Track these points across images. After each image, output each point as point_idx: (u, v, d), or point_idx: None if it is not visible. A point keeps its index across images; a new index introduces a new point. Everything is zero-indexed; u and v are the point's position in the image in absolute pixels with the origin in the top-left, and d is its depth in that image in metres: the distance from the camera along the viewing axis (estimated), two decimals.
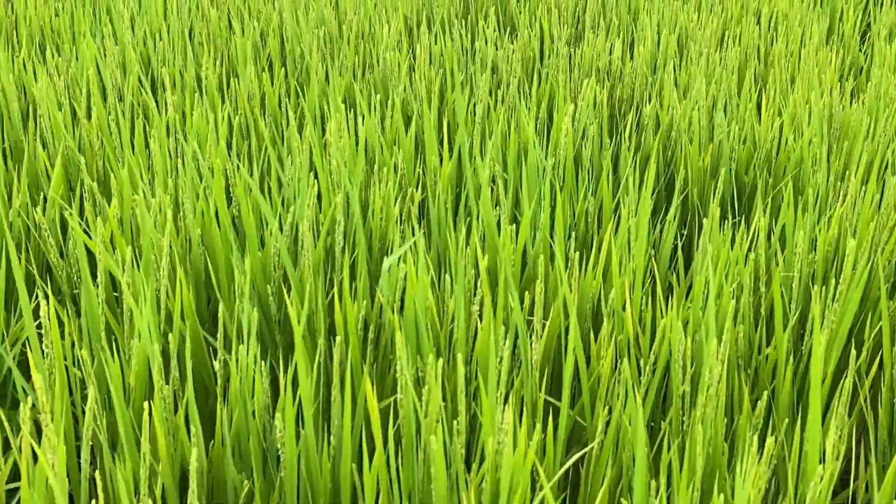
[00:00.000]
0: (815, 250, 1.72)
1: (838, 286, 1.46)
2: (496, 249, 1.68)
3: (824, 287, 1.45)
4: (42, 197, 2.02)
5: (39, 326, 1.85)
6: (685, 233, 2.05)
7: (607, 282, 1.65)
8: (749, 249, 1.93)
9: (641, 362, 1.43)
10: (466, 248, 1.52)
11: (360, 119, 2.02)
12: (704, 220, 1.57)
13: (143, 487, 0.99)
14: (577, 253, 1.43)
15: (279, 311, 1.60)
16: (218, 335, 1.37)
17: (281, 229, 1.79)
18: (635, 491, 1.05)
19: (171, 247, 1.59)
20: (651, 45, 2.67)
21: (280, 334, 1.59)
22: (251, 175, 2.04)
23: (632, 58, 2.84)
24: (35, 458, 1.50)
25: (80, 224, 1.72)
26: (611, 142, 2.28)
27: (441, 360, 1.08)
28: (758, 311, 1.62)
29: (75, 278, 1.71)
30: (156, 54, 2.57)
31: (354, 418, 1.25)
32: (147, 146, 2.16)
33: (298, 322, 1.52)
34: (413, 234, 1.86)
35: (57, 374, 1.23)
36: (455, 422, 1.10)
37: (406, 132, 2.33)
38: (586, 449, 1.22)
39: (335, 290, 1.52)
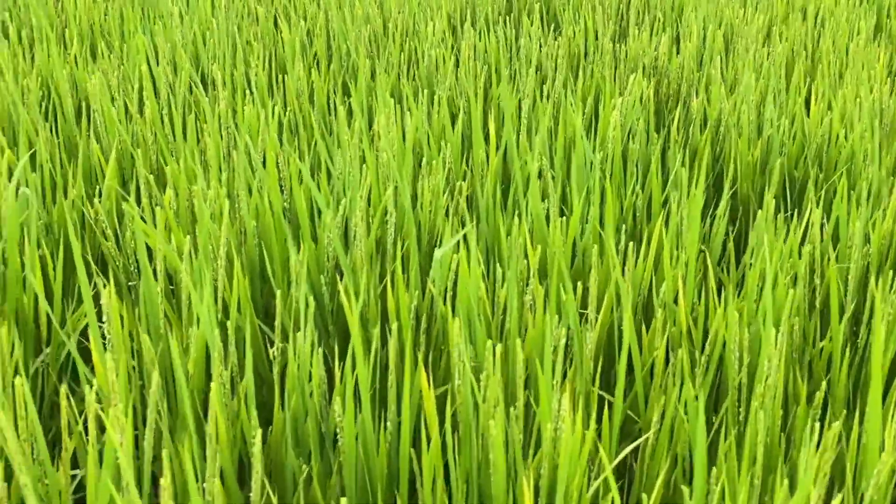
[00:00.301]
0: (868, 243, 1.70)
1: (895, 277, 1.44)
2: (545, 242, 1.69)
3: (881, 278, 1.44)
4: (97, 191, 2.06)
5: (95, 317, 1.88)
6: (735, 229, 2.04)
7: (658, 274, 1.65)
8: (801, 243, 1.91)
9: (696, 354, 1.43)
10: (518, 239, 1.52)
11: (407, 114, 2.03)
12: (759, 212, 1.56)
13: (210, 468, 1.01)
14: (630, 244, 1.43)
15: (332, 301, 1.61)
16: (276, 322, 1.39)
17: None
18: (695, 478, 1.05)
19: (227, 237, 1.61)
20: (697, 41, 2.65)
21: (333, 324, 1.61)
22: (298, 173, 2.06)
23: (678, 53, 2.83)
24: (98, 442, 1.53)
25: (139, 211, 1.74)
26: (658, 137, 2.27)
27: (500, 346, 1.08)
28: (812, 303, 1.61)
29: (132, 269, 1.74)
30: (205, 51, 2.61)
31: (410, 405, 1.26)
32: (198, 141, 2.19)
33: (356, 302, 1.53)
34: (462, 227, 1.87)
35: (119, 359, 1.25)
36: (513, 408, 1.10)
37: (452, 128, 2.34)
38: (643, 438, 1.22)
39: (388, 279, 1.53)
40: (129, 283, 1.80)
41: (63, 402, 1.13)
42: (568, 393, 1.08)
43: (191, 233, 1.77)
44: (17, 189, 1.93)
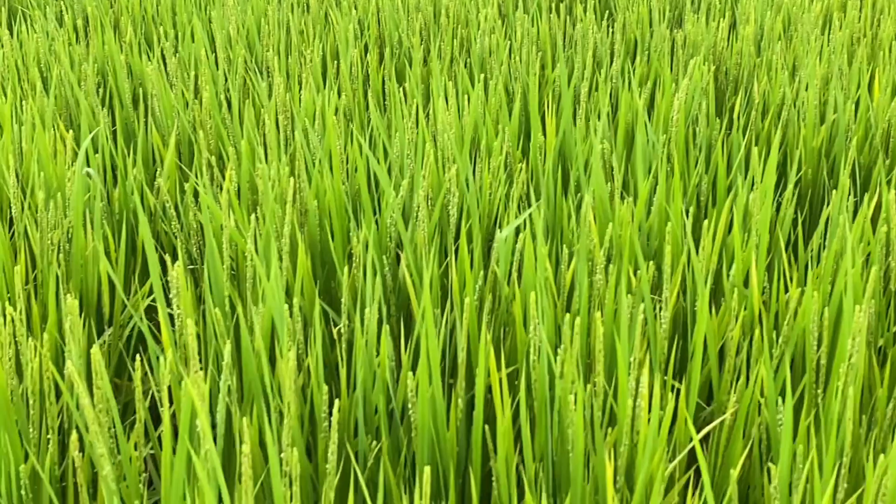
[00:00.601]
0: None
1: None
2: (607, 223, 1.66)
3: None
4: (156, 173, 2.06)
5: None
6: (803, 214, 1.99)
7: (724, 256, 1.62)
8: (873, 227, 1.87)
9: (768, 336, 1.39)
10: (588, 216, 1.49)
11: (464, 97, 2.02)
12: (833, 192, 1.52)
13: (286, 438, 1.00)
14: (706, 221, 1.40)
15: (394, 281, 1.60)
16: (344, 298, 1.38)
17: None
18: (781, 456, 1.02)
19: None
20: (754, 26, 2.61)
21: (394, 305, 1.60)
22: (359, 151, 2.05)
23: (736, 39, 2.79)
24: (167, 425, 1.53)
25: (203, 188, 1.74)
26: (720, 122, 2.23)
27: (579, 319, 1.06)
28: (886, 286, 1.57)
29: (195, 249, 1.74)
30: (259, 39, 2.61)
31: (482, 376, 1.24)
32: (257, 125, 2.19)
33: (420, 277, 1.52)
34: (521, 209, 1.84)
35: (188, 332, 1.25)
36: (591, 383, 1.08)
37: (509, 112, 2.32)
38: (722, 417, 1.19)
39: (450, 259, 1.51)
40: (191, 267, 1.80)
41: (137, 373, 1.13)
42: (647, 369, 1.06)
43: (253, 213, 1.77)
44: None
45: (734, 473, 0.96)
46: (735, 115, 2.06)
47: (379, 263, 1.59)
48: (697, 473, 1.45)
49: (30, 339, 1.19)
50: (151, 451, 1.56)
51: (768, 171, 1.59)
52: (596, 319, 1.05)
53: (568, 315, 1.06)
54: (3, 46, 2.56)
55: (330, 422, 1.26)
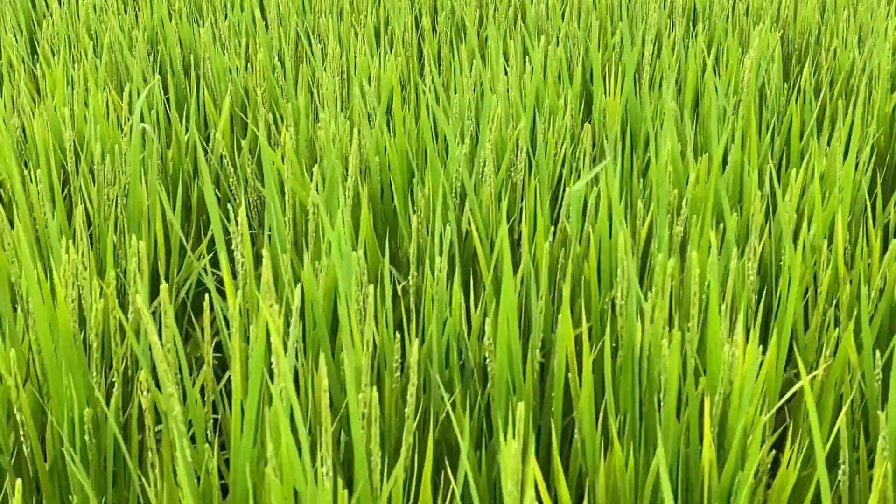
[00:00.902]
0: None
1: None
2: (680, 182, 1.60)
3: None
4: (209, 136, 2.03)
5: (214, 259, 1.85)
6: (882, 177, 1.92)
7: (803, 216, 1.55)
8: None
9: (858, 290, 1.32)
10: (668, 166, 1.43)
11: (523, 58, 1.96)
12: None
13: (364, 378, 0.95)
14: (792, 171, 1.33)
15: (459, 236, 1.55)
16: (411, 249, 1.33)
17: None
18: (891, 403, 0.95)
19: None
20: None
21: (459, 263, 1.54)
22: (416, 118, 2.01)
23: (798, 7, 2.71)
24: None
25: (260, 134, 1.70)
26: (787, 87, 2.16)
27: (672, 260, 1.00)
28: None
29: (252, 210, 1.70)
30: (312, 11, 2.58)
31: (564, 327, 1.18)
32: (311, 86, 2.15)
33: (484, 230, 1.46)
34: (581, 169, 1.78)
35: (263, 263, 1.21)
36: (685, 328, 1.02)
37: (570, 77, 2.26)
38: (816, 373, 1.13)
39: (516, 216, 1.46)
40: (251, 232, 1.77)
41: (206, 313, 1.09)
42: (742, 315, 1.00)
43: (314, 166, 1.72)
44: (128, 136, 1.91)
45: (842, 417, 0.89)
46: (805, 79, 1.99)
47: (450, 211, 1.54)
48: (783, 435, 1.39)
49: (93, 279, 1.15)
50: (215, 416, 1.52)
51: (847, 125, 1.52)
52: (692, 259, 0.99)
53: (661, 255, 1.00)
54: (52, 16, 2.55)
55: (403, 365, 1.21)
